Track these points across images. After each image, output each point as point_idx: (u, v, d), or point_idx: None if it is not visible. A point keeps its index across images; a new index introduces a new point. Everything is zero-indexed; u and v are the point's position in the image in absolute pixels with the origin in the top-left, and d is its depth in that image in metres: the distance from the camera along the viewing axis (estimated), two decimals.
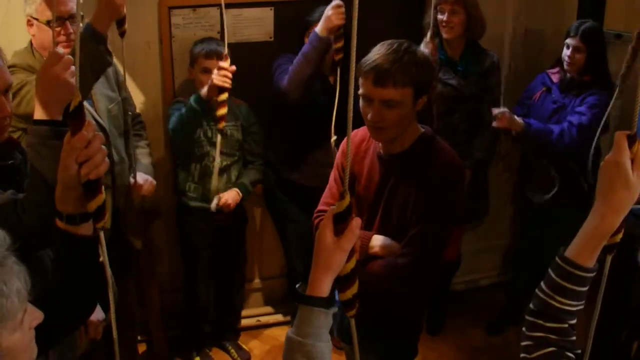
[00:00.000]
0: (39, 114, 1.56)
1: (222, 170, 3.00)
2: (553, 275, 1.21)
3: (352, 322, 1.26)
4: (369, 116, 1.90)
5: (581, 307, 1.24)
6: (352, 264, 1.24)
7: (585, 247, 1.19)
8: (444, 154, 1.99)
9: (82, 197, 1.26)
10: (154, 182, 2.76)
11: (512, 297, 3.65)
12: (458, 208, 2.10)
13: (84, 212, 1.28)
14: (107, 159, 1.26)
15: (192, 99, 2.77)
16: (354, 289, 1.24)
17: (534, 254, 3.46)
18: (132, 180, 2.62)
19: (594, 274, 1.21)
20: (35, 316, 1.08)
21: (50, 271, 1.45)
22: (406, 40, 1.94)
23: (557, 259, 1.22)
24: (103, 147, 1.25)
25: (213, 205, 2.95)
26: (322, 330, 1.24)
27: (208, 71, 2.80)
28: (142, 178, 2.70)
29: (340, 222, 1.20)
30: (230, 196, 2.97)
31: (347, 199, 1.19)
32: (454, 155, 2.00)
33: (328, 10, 2.63)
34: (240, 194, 3.01)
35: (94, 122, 2.39)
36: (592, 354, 3.05)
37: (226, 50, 2.60)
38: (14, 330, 1.02)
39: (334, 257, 1.21)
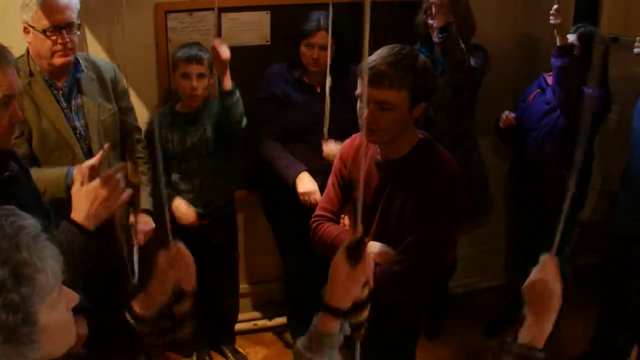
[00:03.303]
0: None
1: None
2: None
3: (357, 344, 1.28)
4: (362, 117, 1.89)
5: None
6: (365, 292, 1.24)
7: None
8: (442, 161, 1.98)
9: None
10: (153, 225, 2.64)
11: (509, 301, 3.65)
12: (457, 215, 2.08)
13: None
14: None
15: None
16: (364, 315, 1.25)
17: (527, 257, 3.45)
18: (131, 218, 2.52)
19: None
20: (71, 297, 1.10)
21: None
22: (410, 47, 1.93)
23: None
24: None
25: None
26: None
27: (187, 77, 2.80)
28: (142, 227, 2.59)
29: (354, 254, 1.21)
30: None
31: (360, 230, 1.20)
32: (453, 162, 1.98)
33: None
34: None
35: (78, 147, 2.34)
36: (592, 357, 3.03)
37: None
38: (52, 308, 1.03)
39: (349, 290, 1.21)
